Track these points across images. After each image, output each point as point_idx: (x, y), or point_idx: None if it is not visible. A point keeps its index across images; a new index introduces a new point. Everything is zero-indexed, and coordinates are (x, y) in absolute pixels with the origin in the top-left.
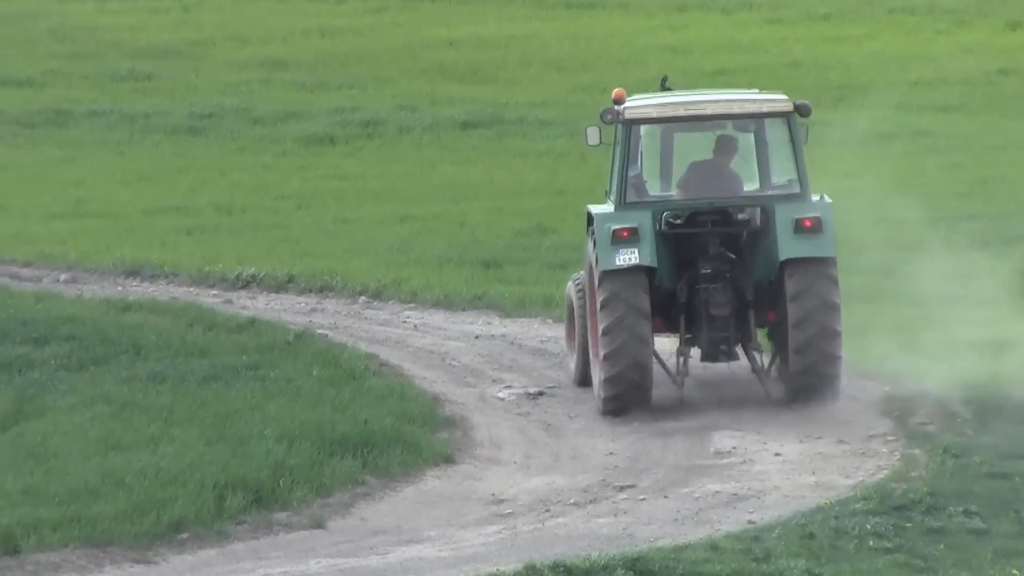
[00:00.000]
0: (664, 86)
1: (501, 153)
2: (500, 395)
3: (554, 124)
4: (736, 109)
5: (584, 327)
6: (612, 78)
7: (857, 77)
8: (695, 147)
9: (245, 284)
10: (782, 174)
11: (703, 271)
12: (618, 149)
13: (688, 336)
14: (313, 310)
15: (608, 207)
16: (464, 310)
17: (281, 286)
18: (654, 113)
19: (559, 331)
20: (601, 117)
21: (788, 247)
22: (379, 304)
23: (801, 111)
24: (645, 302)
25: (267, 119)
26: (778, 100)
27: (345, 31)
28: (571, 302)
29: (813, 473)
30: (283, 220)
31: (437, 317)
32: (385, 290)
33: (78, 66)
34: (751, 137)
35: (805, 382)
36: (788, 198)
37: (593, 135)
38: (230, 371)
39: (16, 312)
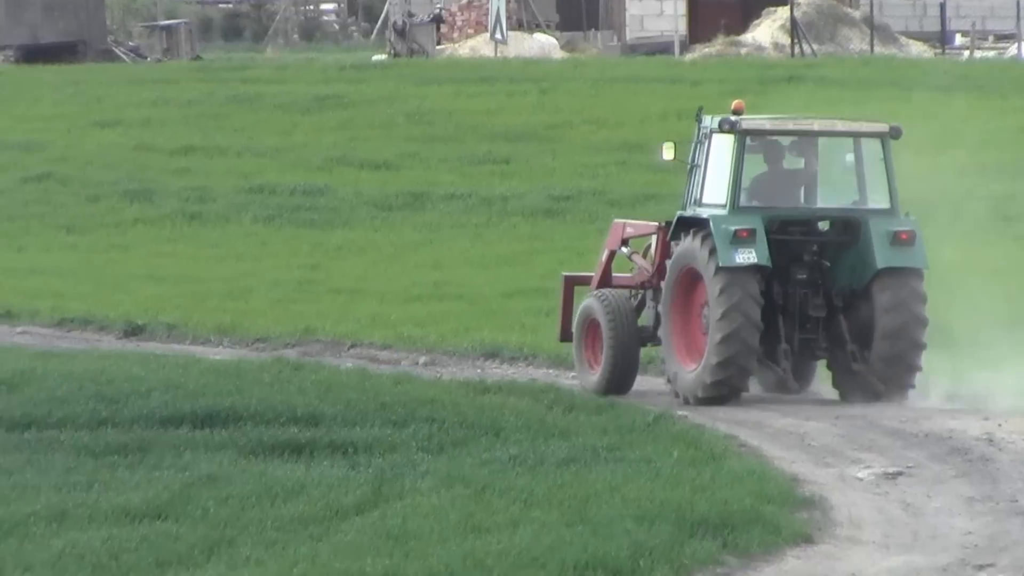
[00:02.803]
0: (699, 116)
1: None
2: (859, 475)
3: None
4: (839, 127)
5: (620, 339)
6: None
7: None
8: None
9: None
10: (876, 191)
11: (798, 276)
12: (730, 157)
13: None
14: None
15: (709, 211)
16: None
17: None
18: (767, 126)
19: (914, 412)
20: (720, 126)
21: (885, 257)
22: None
23: (894, 133)
24: (759, 293)
25: (623, 201)
26: (875, 123)
27: None
28: (592, 317)
29: None
30: None
31: (795, 398)
32: None
33: (436, 149)
34: (851, 155)
35: (887, 378)
36: (879, 213)
37: (668, 151)
38: (589, 452)
39: (376, 395)
